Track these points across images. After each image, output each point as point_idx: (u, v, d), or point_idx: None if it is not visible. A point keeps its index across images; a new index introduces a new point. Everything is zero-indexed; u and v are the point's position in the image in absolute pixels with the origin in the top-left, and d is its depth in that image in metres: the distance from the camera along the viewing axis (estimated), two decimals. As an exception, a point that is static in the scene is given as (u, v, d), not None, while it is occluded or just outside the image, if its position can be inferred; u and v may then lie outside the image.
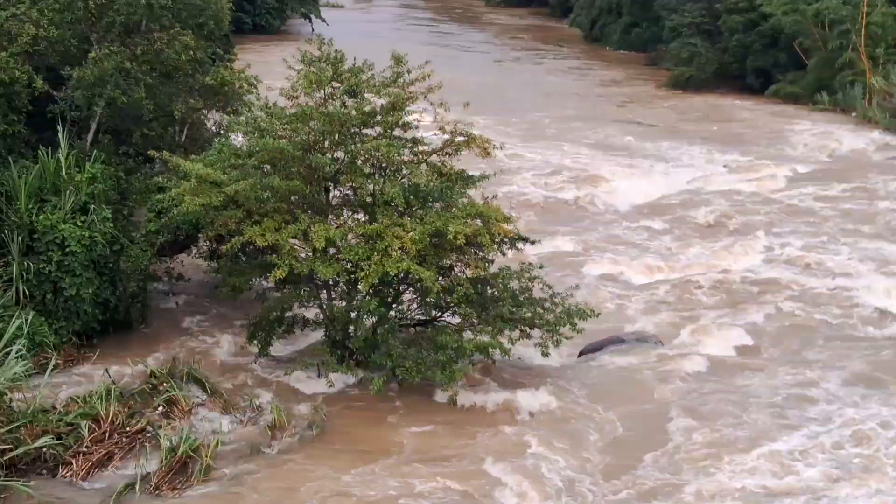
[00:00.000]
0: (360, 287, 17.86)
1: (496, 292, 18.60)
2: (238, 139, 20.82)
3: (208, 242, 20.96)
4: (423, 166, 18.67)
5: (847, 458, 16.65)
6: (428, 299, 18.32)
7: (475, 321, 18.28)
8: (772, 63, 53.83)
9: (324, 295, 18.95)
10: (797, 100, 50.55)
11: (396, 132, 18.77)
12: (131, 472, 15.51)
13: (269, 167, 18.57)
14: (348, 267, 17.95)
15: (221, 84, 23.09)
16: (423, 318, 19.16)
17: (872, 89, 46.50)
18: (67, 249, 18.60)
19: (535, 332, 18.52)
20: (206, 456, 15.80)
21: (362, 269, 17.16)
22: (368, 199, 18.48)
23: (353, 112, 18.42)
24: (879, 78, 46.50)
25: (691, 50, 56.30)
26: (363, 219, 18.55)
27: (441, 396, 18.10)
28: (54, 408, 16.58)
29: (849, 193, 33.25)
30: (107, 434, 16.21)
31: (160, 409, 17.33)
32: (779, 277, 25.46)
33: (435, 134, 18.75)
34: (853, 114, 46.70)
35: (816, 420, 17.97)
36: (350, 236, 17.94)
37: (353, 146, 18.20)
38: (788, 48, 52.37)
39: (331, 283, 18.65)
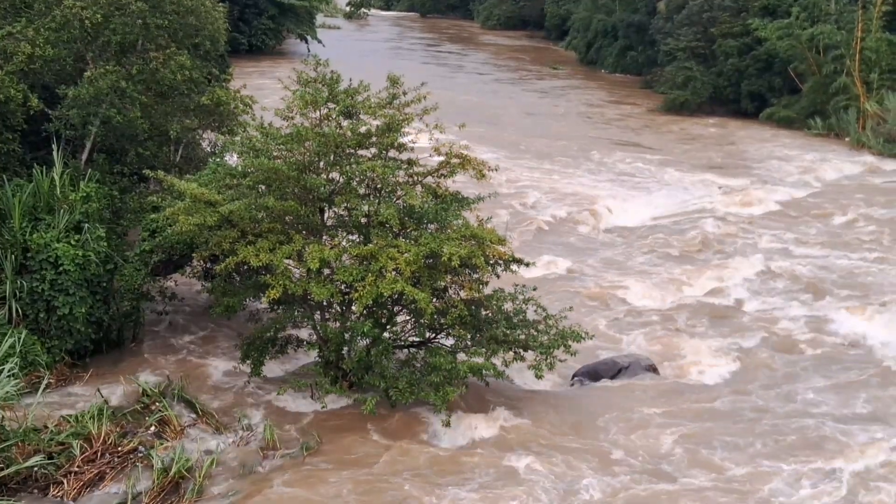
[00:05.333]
0: (354, 308, 17.83)
1: (490, 314, 18.58)
2: (233, 159, 20.83)
3: (202, 262, 20.90)
4: (418, 188, 18.67)
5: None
6: (422, 321, 18.27)
7: (469, 343, 18.24)
8: (766, 87, 54.19)
9: (317, 315, 18.91)
10: (791, 124, 50.83)
11: (392, 153, 18.79)
12: (123, 492, 15.45)
13: (263, 187, 18.59)
14: (342, 288, 17.94)
15: (217, 104, 23.09)
16: (417, 339, 19.10)
17: (866, 114, 46.77)
18: (61, 268, 18.56)
19: (529, 354, 18.47)
20: (200, 476, 15.76)
21: (356, 290, 17.13)
22: (363, 220, 18.46)
23: (349, 133, 18.44)
24: (873, 103, 46.78)
25: (686, 74, 56.68)
26: (358, 240, 18.54)
27: (434, 418, 18.04)
28: (46, 427, 16.53)
29: (841, 218, 33.31)
30: (98, 454, 16.19)
31: (152, 429, 17.28)
32: (771, 302, 25.49)
33: (430, 155, 18.76)
34: (847, 138, 46.95)
35: (815, 457, 17.73)
36: (344, 257, 17.92)
37: (348, 167, 18.20)
38: (783, 73, 52.71)
39: (325, 303, 18.62)
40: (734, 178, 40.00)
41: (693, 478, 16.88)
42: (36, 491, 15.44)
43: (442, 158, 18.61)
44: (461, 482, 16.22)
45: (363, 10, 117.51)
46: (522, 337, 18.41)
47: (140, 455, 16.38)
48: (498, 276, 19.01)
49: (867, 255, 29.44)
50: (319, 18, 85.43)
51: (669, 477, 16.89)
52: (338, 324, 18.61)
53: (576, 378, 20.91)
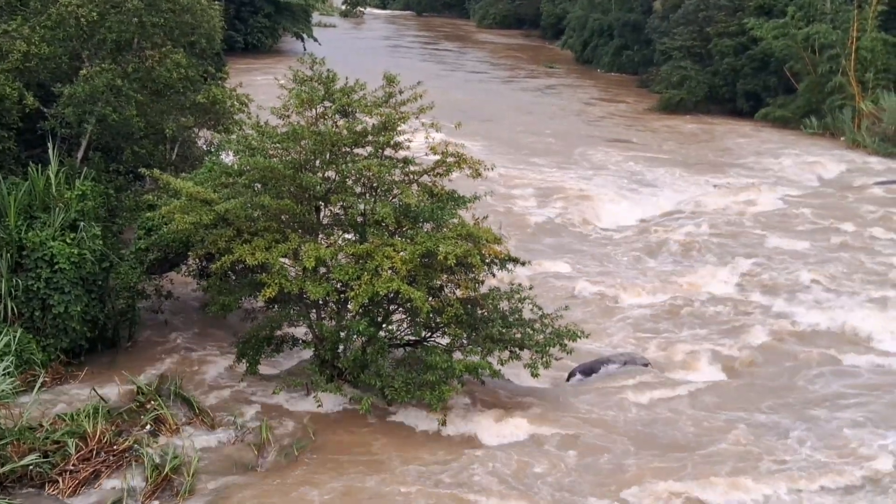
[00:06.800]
0: (349, 307, 17.83)
1: (486, 313, 18.56)
2: (229, 157, 20.82)
3: (198, 260, 20.92)
4: (414, 186, 18.68)
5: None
6: (418, 319, 18.26)
7: (465, 342, 18.22)
8: (762, 87, 54.22)
9: (313, 314, 18.91)
10: (786, 123, 50.87)
11: (388, 152, 18.79)
12: (118, 490, 15.44)
13: (259, 186, 18.58)
14: (338, 286, 17.95)
15: (213, 102, 23.09)
16: (413, 338, 19.10)
17: (861, 114, 46.81)
18: (56, 266, 18.53)
19: (525, 353, 18.47)
20: (189, 473, 15.76)
21: (352, 289, 17.13)
22: (359, 219, 18.47)
23: (345, 132, 18.44)
24: (869, 102, 46.83)
25: (682, 73, 56.68)
26: (354, 238, 18.54)
27: (430, 417, 18.04)
28: (41, 425, 16.49)
29: (835, 218, 33.32)
30: (94, 452, 16.15)
31: (148, 427, 17.28)
32: (765, 302, 25.49)
33: (426, 154, 18.76)
34: (842, 138, 47.02)
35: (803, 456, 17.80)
36: (340, 256, 17.92)
37: (344, 166, 18.20)
38: (778, 72, 52.74)
39: (320, 302, 18.62)
40: (729, 177, 40.05)
41: (693, 458, 17.20)
42: (31, 489, 15.43)
43: (438, 157, 18.61)
44: (458, 478, 16.25)
45: (359, 8, 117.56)
46: (518, 336, 18.39)
47: (135, 453, 16.37)
48: (494, 275, 19.03)
49: (862, 254, 29.46)
50: (315, 17, 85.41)
51: (670, 462, 17.13)
52: (333, 322, 18.61)
53: (572, 376, 20.93)
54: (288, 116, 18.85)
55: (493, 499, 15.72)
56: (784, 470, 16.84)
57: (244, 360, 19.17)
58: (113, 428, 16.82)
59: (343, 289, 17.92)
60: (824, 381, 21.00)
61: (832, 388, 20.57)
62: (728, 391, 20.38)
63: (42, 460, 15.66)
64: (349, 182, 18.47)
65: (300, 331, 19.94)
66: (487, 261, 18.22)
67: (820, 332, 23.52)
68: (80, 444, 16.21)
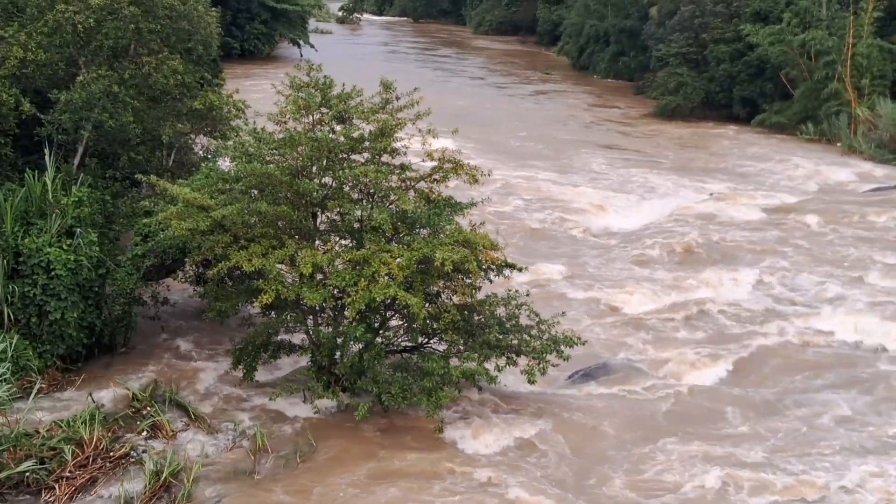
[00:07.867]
0: (346, 313, 17.80)
1: (483, 319, 18.57)
2: (226, 164, 20.81)
3: (195, 267, 20.90)
4: (411, 192, 18.68)
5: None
6: (414, 326, 18.25)
7: (462, 348, 18.23)
8: (758, 93, 54.26)
9: (310, 320, 18.90)
10: (783, 129, 50.93)
11: (384, 158, 18.78)
12: (114, 497, 15.42)
13: (256, 192, 18.56)
14: (335, 293, 17.93)
15: (209, 108, 23.05)
16: (410, 344, 19.09)
17: (857, 119, 46.89)
18: (53, 273, 18.52)
19: (522, 359, 18.48)
20: (189, 480, 15.75)
21: (349, 295, 17.12)
22: (356, 225, 18.46)
23: (342, 138, 18.43)
24: (865, 108, 46.88)
25: (678, 79, 56.71)
26: (350, 244, 18.53)
27: (426, 423, 18.03)
28: (37, 432, 16.49)
29: (832, 224, 33.31)
30: (90, 459, 16.16)
31: (144, 433, 17.26)
32: (762, 308, 25.50)
33: (423, 160, 18.76)
34: (838, 144, 47.08)
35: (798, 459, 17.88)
36: (337, 262, 17.90)
37: (340, 172, 18.19)
38: (774, 78, 52.81)
39: (317, 308, 18.60)
40: (725, 183, 40.07)
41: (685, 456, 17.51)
42: (28, 496, 15.41)
43: (435, 163, 18.61)
44: (456, 482, 16.27)
45: (355, 14, 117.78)
46: (515, 342, 18.42)
47: (132, 459, 16.36)
48: (491, 281, 19.03)
49: (857, 259, 29.48)
50: (312, 23, 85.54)
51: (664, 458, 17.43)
52: (330, 329, 18.59)
53: (569, 381, 20.93)
54: (285, 122, 18.85)
55: (492, 499, 15.73)
56: (783, 458, 17.19)
57: (241, 367, 19.15)
58: (109, 434, 16.83)
59: (340, 295, 17.92)
60: (821, 380, 21.20)
61: (827, 388, 20.76)
62: (725, 391, 20.44)
63: (38, 467, 15.66)
64: (346, 188, 18.46)
65: (297, 337, 19.93)
66: (484, 267, 18.22)
67: (816, 334, 23.54)
68: (77, 450, 16.22)
